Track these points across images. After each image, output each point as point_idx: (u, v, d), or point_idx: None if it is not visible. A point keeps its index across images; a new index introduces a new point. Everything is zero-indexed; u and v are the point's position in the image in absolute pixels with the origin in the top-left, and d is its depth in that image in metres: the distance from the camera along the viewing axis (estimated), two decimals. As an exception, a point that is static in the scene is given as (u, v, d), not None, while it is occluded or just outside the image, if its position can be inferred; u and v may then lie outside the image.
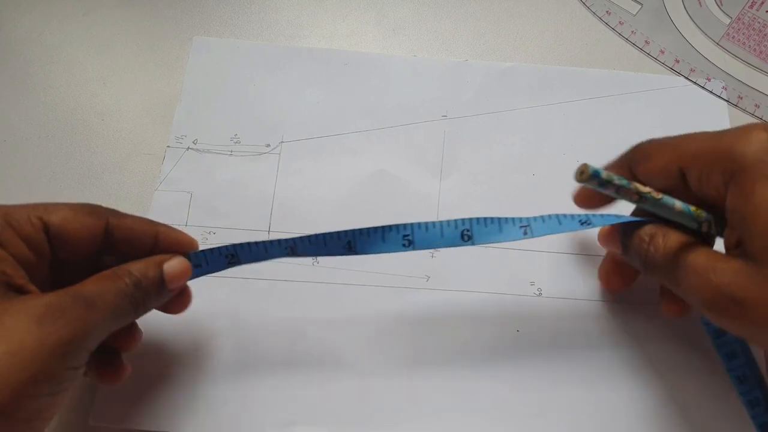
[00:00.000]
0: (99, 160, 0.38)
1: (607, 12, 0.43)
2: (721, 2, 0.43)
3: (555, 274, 0.34)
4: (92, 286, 0.24)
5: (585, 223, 0.29)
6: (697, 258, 0.25)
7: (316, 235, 0.29)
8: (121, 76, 0.40)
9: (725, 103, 0.39)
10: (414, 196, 0.36)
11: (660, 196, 0.26)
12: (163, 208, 0.36)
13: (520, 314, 0.33)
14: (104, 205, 0.29)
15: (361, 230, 0.29)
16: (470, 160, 0.37)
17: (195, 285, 0.32)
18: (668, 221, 0.27)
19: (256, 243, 0.29)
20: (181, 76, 0.39)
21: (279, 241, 0.29)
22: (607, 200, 0.30)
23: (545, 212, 0.35)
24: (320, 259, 0.35)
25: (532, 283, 0.34)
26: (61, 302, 0.23)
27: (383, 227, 0.29)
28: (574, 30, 0.42)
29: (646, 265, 0.27)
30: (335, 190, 0.36)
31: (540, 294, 0.34)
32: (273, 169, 0.37)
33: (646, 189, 0.26)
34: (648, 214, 0.28)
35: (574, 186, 0.36)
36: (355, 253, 0.29)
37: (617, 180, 0.25)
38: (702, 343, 0.32)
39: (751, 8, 0.43)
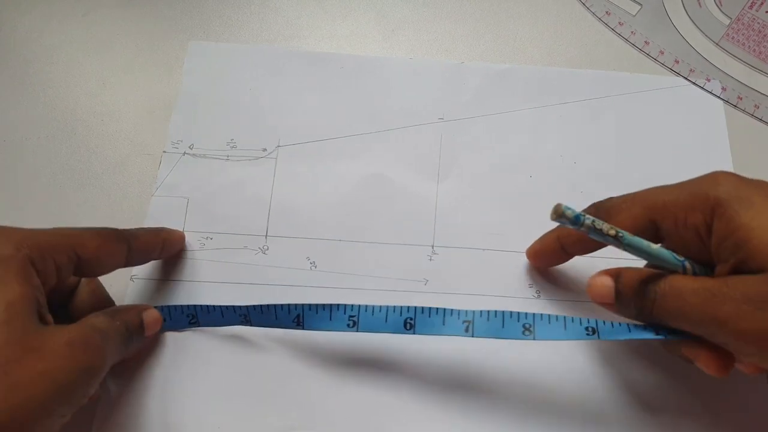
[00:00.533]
0: (98, 160, 0.38)
1: (606, 12, 0.43)
2: (720, 3, 0.43)
3: (553, 277, 0.34)
4: (100, 321, 0.27)
5: (527, 330, 0.29)
6: (712, 282, 0.26)
7: (267, 306, 0.31)
8: (121, 77, 0.40)
9: (724, 103, 0.39)
10: (412, 198, 0.36)
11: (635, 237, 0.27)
12: (160, 213, 0.36)
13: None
14: (104, 205, 0.34)
15: (309, 306, 0.31)
16: (468, 163, 0.37)
17: (194, 291, 0.33)
18: None
19: (214, 307, 0.32)
20: (180, 77, 0.40)
21: (234, 308, 0.31)
22: (560, 258, 0.32)
23: (544, 213, 0.36)
24: (318, 263, 0.35)
25: (531, 285, 0.34)
26: (86, 334, 0.25)
27: (331, 305, 0.30)
28: (573, 31, 0.42)
29: (644, 303, 0.27)
30: (333, 194, 0.36)
31: (539, 296, 0.34)
32: (270, 173, 0.37)
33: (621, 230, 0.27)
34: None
35: (569, 187, 0.36)
36: (302, 327, 0.31)
37: (591, 218, 0.26)
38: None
39: (751, 9, 0.43)
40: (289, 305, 0.31)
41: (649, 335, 0.28)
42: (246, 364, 0.32)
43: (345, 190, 0.36)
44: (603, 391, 0.32)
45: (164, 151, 0.37)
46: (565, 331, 0.29)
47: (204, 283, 0.34)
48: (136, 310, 0.30)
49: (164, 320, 0.32)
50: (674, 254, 0.27)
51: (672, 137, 0.38)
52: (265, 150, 0.37)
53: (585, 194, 0.36)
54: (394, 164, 0.37)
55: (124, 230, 0.30)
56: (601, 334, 0.29)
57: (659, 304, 0.27)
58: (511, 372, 0.32)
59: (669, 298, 0.26)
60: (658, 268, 0.28)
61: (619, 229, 0.26)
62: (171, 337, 0.33)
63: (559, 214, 0.25)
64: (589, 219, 0.26)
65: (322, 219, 0.36)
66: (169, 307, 0.32)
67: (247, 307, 0.31)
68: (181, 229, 0.35)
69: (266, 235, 0.35)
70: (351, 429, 0.31)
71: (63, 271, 0.27)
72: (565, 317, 0.29)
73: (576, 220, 0.26)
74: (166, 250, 0.33)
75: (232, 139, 0.38)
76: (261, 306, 0.31)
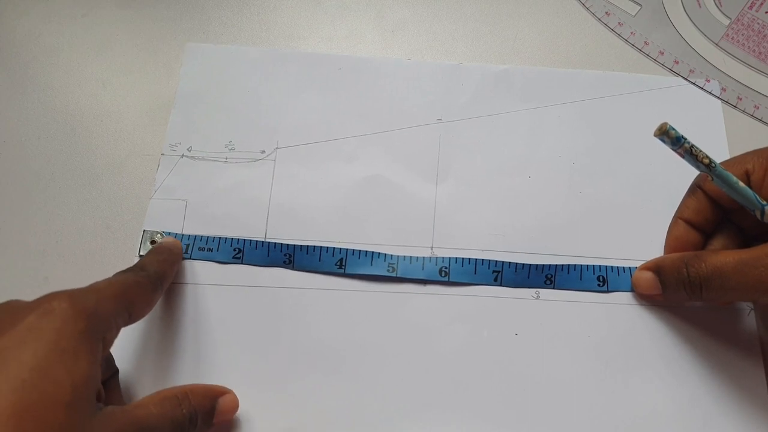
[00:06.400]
0: (98, 161, 0.38)
1: (606, 13, 0.43)
2: (720, 3, 0.43)
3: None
4: (156, 412, 0.25)
5: (549, 280, 0.34)
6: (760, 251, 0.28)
7: (313, 247, 0.34)
8: (120, 77, 0.40)
9: (725, 104, 0.39)
10: (410, 200, 0.36)
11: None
12: (158, 216, 0.35)
13: (518, 317, 0.33)
14: (104, 205, 0.35)
15: (353, 251, 0.34)
16: (466, 164, 0.37)
17: (196, 293, 0.34)
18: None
19: (262, 243, 0.34)
20: (179, 78, 0.39)
21: (280, 246, 0.34)
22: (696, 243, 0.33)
23: (543, 213, 0.36)
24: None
25: (530, 286, 0.34)
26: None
27: (372, 252, 0.34)
28: (573, 31, 0.42)
29: (693, 290, 0.30)
30: (331, 196, 0.36)
31: (538, 297, 0.34)
32: (268, 175, 0.37)
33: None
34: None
35: (568, 188, 0.36)
36: (344, 271, 0.34)
37: (691, 143, 0.28)
38: (695, 339, 0.33)
39: (751, 9, 0.43)
40: (333, 248, 0.34)
41: None
42: (246, 366, 0.32)
43: (343, 192, 0.36)
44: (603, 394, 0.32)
45: (162, 154, 0.37)
46: (581, 281, 0.34)
47: (204, 285, 0.34)
48: (211, 394, 0.29)
49: (210, 250, 0.34)
50: (757, 196, 0.29)
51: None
52: (263, 152, 0.37)
53: (584, 195, 0.36)
54: (393, 166, 0.37)
55: (154, 274, 0.29)
56: (610, 285, 0.34)
57: (706, 288, 0.29)
58: (513, 370, 0.32)
59: (713, 280, 0.29)
60: (734, 206, 0.31)
61: (713, 159, 0.28)
62: (172, 339, 0.33)
63: (663, 131, 0.28)
64: (688, 143, 0.28)
65: (321, 221, 0.35)
66: (219, 238, 0.34)
67: (293, 246, 0.34)
68: (180, 232, 0.35)
69: (265, 238, 0.35)
70: (351, 429, 0.31)
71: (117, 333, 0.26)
72: (581, 266, 0.34)
73: (677, 140, 0.28)
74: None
75: (231, 141, 0.37)
76: (307, 246, 0.34)
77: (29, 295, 0.33)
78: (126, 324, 0.26)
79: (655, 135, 0.28)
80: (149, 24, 0.42)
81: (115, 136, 0.38)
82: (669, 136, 0.28)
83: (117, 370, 0.30)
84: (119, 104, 0.39)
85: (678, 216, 0.33)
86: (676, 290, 0.31)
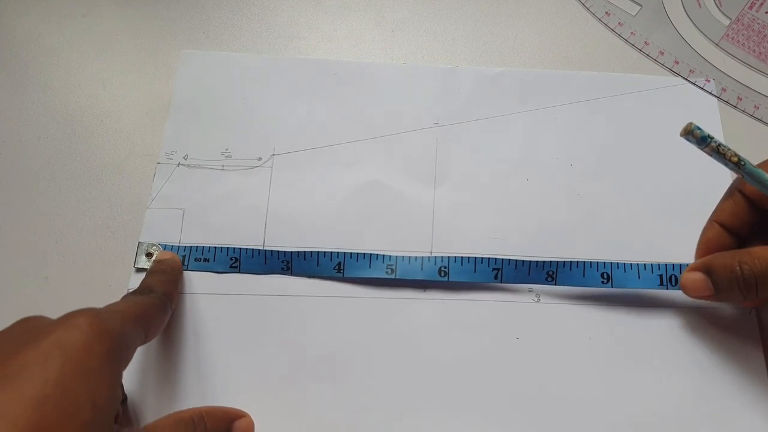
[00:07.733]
0: (98, 161, 0.38)
1: (606, 13, 0.43)
2: (720, 3, 0.43)
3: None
4: None
5: (550, 276, 0.33)
6: None
7: (310, 253, 0.34)
8: (120, 78, 0.40)
9: (724, 104, 0.39)
10: (408, 205, 0.36)
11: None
12: (155, 226, 0.35)
13: (519, 321, 0.33)
14: (104, 205, 0.35)
15: (351, 254, 0.34)
16: (463, 168, 0.37)
17: (194, 302, 0.34)
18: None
19: (258, 251, 0.34)
20: (174, 85, 0.39)
21: (277, 253, 0.34)
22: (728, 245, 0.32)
23: (541, 215, 0.36)
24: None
25: (530, 289, 0.34)
26: None
27: (371, 254, 0.34)
28: (573, 31, 0.42)
29: (748, 288, 0.29)
30: (329, 202, 0.36)
31: (538, 300, 0.34)
32: (265, 182, 0.36)
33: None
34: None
35: (566, 190, 0.36)
36: (343, 275, 0.34)
37: (718, 141, 0.28)
38: (697, 340, 0.33)
39: (751, 9, 0.43)
40: (331, 252, 0.34)
41: (654, 285, 0.33)
42: (247, 375, 0.32)
43: (341, 198, 0.36)
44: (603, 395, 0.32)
45: (158, 162, 0.37)
46: (584, 278, 0.33)
47: (202, 295, 0.34)
48: (227, 417, 0.29)
49: (207, 261, 0.34)
50: None
51: (670, 138, 0.38)
52: (260, 159, 0.37)
53: (582, 196, 0.36)
54: (391, 170, 0.37)
55: (163, 295, 0.29)
56: (615, 282, 0.33)
57: (762, 286, 0.28)
58: (515, 374, 0.32)
59: None
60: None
61: (742, 156, 0.28)
62: (175, 349, 0.33)
63: (688, 131, 0.27)
64: (715, 141, 0.28)
65: (319, 227, 0.35)
66: (216, 248, 0.34)
67: (291, 253, 0.34)
68: (177, 242, 0.35)
69: (263, 246, 0.35)
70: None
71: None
72: (584, 262, 0.34)
73: (702, 140, 0.28)
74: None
75: (227, 149, 0.37)
76: (304, 252, 0.34)
77: (29, 295, 0.34)
78: (141, 345, 0.27)
79: (681, 135, 0.28)
80: (149, 24, 0.42)
81: (115, 136, 0.38)
82: (694, 136, 0.27)
83: (126, 397, 0.30)
84: (119, 104, 0.39)
85: (713, 219, 0.32)
86: (729, 290, 0.29)
